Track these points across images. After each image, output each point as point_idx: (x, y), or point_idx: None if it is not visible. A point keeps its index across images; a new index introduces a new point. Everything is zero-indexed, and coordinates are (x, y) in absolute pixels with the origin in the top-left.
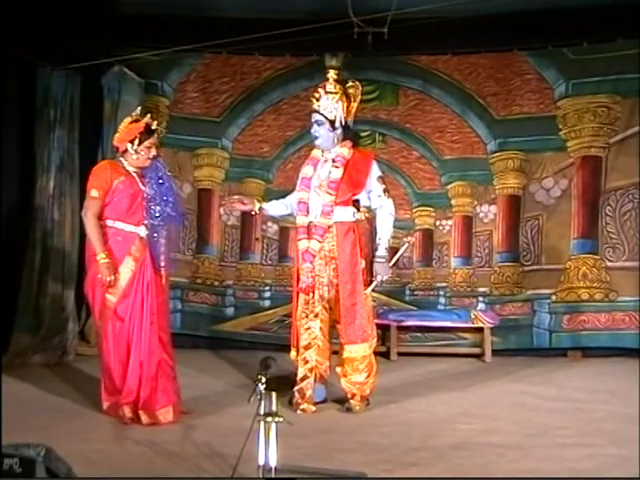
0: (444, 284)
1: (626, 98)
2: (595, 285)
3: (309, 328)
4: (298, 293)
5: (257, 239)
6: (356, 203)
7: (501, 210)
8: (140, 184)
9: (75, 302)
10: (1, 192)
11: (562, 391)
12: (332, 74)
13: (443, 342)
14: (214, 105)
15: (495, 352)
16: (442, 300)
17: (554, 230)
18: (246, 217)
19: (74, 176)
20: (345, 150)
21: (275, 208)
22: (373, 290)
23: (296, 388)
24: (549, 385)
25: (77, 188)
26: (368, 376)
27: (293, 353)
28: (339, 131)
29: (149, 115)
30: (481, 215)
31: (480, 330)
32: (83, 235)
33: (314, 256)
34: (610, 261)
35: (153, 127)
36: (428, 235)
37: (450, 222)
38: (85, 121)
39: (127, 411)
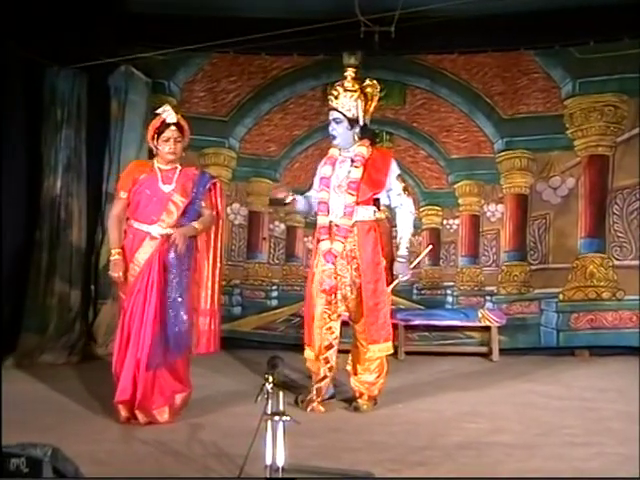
0: (451, 283)
1: (633, 97)
2: (602, 284)
3: (330, 328)
4: (315, 293)
5: (264, 238)
6: (376, 202)
7: (508, 209)
8: (161, 183)
9: (82, 302)
10: (5, 192)
11: (569, 390)
12: (350, 72)
13: (450, 341)
14: (221, 104)
15: (502, 351)
16: (449, 299)
17: (561, 229)
18: (253, 216)
19: (81, 176)
20: (364, 149)
21: (300, 203)
22: None
23: (315, 386)
24: (556, 384)
25: (84, 188)
26: (378, 377)
27: (309, 352)
28: (357, 130)
29: (167, 108)
30: (488, 214)
31: (487, 329)
32: (90, 235)
33: (336, 257)
34: (617, 260)
35: (168, 120)
36: (435, 234)
37: (457, 221)
38: (92, 121)
39: (122, 410)
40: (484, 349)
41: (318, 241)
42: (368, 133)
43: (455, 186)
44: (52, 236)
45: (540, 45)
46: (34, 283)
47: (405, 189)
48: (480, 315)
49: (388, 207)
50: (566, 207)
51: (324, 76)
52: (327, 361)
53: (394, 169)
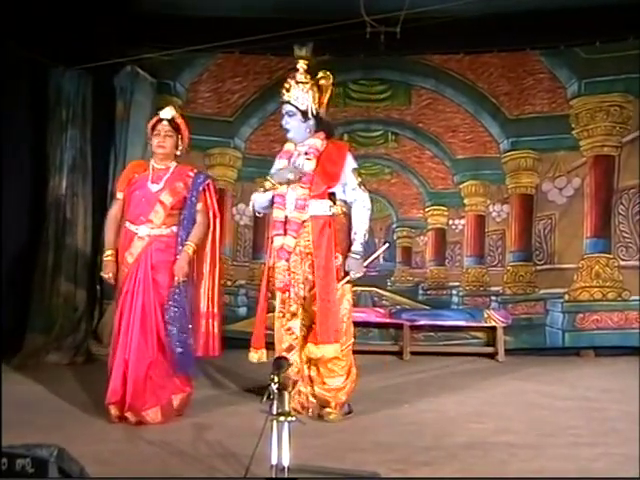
0: (457, 283)
1: (638, 97)
2: (608, 284)
3: (289, 329)
4: (272, 292)
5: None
6: (332, 196)
7: (514, 209)
8: (150, 183)
9: (88, 302)
10: (11, 191)
11: (575, 390)
12: (302, 64)
13: (456, 341)
14: (226, 105)
15: (508, 351)
16: (455, 299)
17: (567, 229)
18: (259, 217)
19: (86, 176)
20: (318, 141)
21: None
22: (388, 290)
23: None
24: (562, 384)
25: (89, 188)
26: (346, 379)
27: (253, 355)
28: (311, 122)
29: (168, 109)
30: (494, 214)
31: (493, 329)
32: (96, 235)
33: (290, 253)
34: (623, 260)
35: (162, 116)
36: (441, 234)
37: (463, 221)
38: (97, 121)
39: (113, 410)
40: (489, 349)
41: (272, 237)
42: (324, 126)
43: (461, 186)
44: (57, 236)
45: (546, 45)
46: (39, 283)
47: (361, 184)
48: (485, 315)
49: (345, 202)
50: (572, 207)
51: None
52: (290, 364)
53: (350, 162)
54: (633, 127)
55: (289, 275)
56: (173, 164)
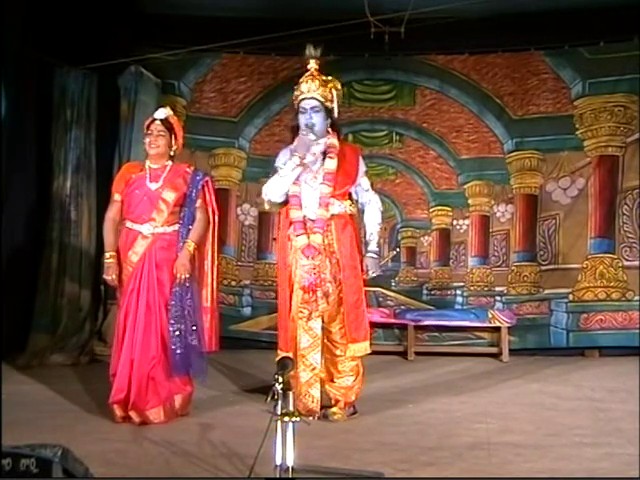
0: (461, 283)
1: None
2: (612, 284)
3: (311, 329)
4: (292, 292)
5: (274, 239)
6: (349, 196)
7: (518, 209)
8: (148, 181)
9: (92, 302)
10: (15, 191)
11: (579, 390)
12: (313, 64)
13: (460, 342)
14: (231, 105)
15: (512, 352)
16: (459, 299)
17: (571, 229)
18: (263, 217)
19: (91, 176)
20: (335, 141)
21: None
22: (392, 290)
23: (303, 393)
24: (566, 384)
25: (94, 188)
26: (355, 380)
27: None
28: (329, 121)
29: (163, 109)
30: (498, 214)
31: (497, 329)
32: (100, 235)
33: (317, 250)
34: (627, 260)
35: (154, 116)
36: (445, 235)
37: (467, 222)
38: (102, 121)
39: (117, 410)
40: (494, 349)
41: (289, 237)
42: (337, 126)
43: (465, 186)
44: (62, 236)
45: (550, 45)
46: (44, 283)
47: (371, 185)
48: (490, 315)
49: (356, 203)
50: (576, 207)
51: (334, 76)
52: (310, 364)
53: (362, 164)
54: (637, 127)
55: (316, 274)
56: (169, 163)
